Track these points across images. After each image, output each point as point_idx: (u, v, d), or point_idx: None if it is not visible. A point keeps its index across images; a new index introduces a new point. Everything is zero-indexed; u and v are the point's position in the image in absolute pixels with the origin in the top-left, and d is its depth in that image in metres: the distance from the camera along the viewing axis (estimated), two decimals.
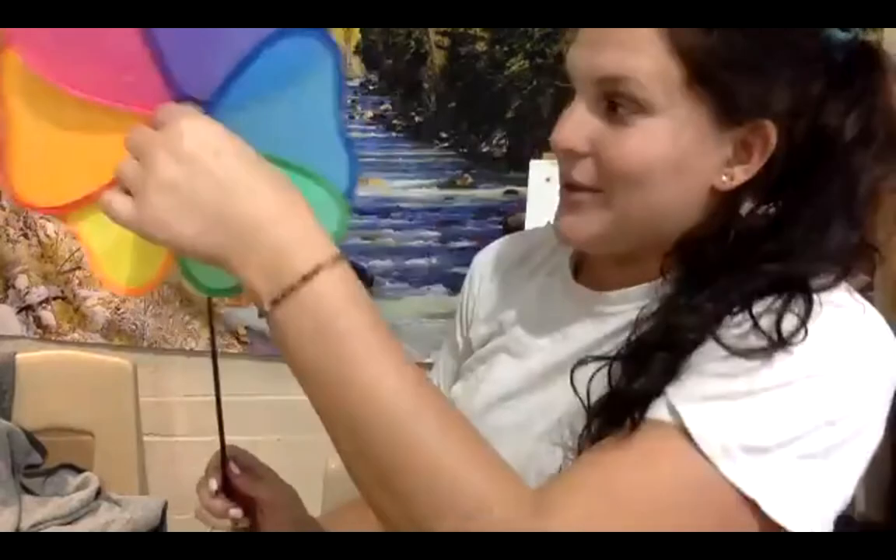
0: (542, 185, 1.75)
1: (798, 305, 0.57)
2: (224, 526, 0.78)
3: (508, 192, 1.94)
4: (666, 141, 0.60)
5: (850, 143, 0.61)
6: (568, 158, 0.64)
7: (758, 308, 0.58)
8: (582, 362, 0.64)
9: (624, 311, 0.67)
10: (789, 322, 0.56)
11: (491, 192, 1.95)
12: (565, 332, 0.72)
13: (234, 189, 0.51)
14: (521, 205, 1.83)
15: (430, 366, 0.98)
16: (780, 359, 0.55)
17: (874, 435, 0.57)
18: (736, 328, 0.57)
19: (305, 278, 0.50)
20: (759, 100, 0.60)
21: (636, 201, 0.63)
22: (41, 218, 1.91)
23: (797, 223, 0.61)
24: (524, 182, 1.80)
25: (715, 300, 0.59)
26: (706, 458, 0.52)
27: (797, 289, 0.58)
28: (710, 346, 0.57)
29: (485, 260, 0.87)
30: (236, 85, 0.57)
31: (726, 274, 0.60)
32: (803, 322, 0.56)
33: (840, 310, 0.58)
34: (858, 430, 0.56)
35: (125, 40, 0.53)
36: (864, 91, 0.61)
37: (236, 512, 0.78)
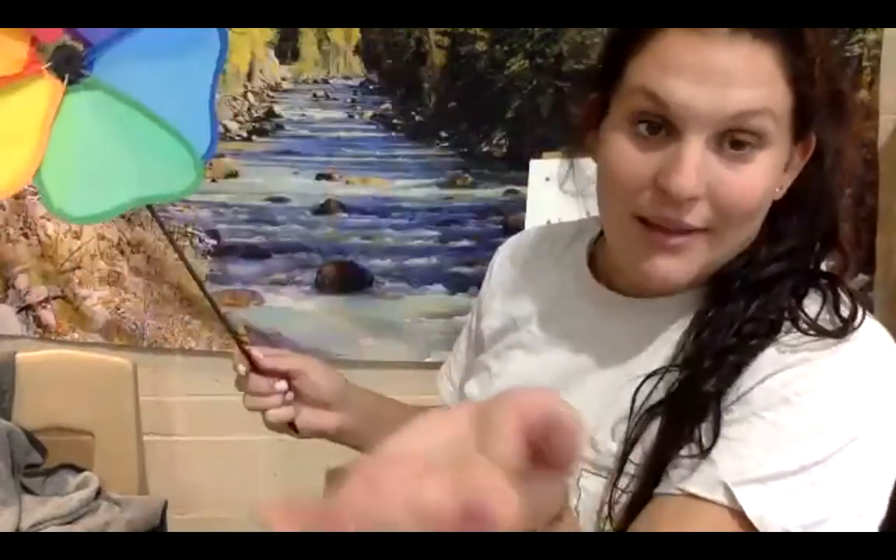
0: (542, 184, 1.75)
1: (843, 298, 0.61)
2: (275, 405, 0.81)
3: (508, 191, 1.94)
4: (774, 170, 0.61)
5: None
6: (684, 204, 0.59)
7: (809, 303, 0.61)
8: (653, 374, 0.63)
9: (663, 317, 0.66)
10: (844, 311, 0.60)
11: (491, 192, 1.95)
12: (589, 335, 0.71)
13: None
14: (521, 205, 1.82)
15: (429, 366, 0.98)
16: (822, 428, 0.56)
17: None
18: (795, 327, 0.60)
19: None
20: (819, 121, 0.62)
21: (739, 234, 0.62)
22: (41, 217, 1.91)
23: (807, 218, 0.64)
24: (524, 182, 1.80)
25: (770, 303, 0.61)
26: None
27: (832, 281, 0.62)
28: (759, 394, 0.58)
29: (504, 251, 0.87)
30: (124, 40, 0.62)
31: (770, 281, 0.62)
32: (854, 310, 0.60)
33: (865, 358, 0.59)
34: (893, 459, 0.58)
35: None
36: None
37: (281, 384, 0.81)
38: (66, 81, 0.63)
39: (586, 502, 0.63)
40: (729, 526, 0.54)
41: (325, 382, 0.84)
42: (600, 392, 0.67)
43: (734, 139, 0.58)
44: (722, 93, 0.57)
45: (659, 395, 0.62)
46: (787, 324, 0.61)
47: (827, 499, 0.55)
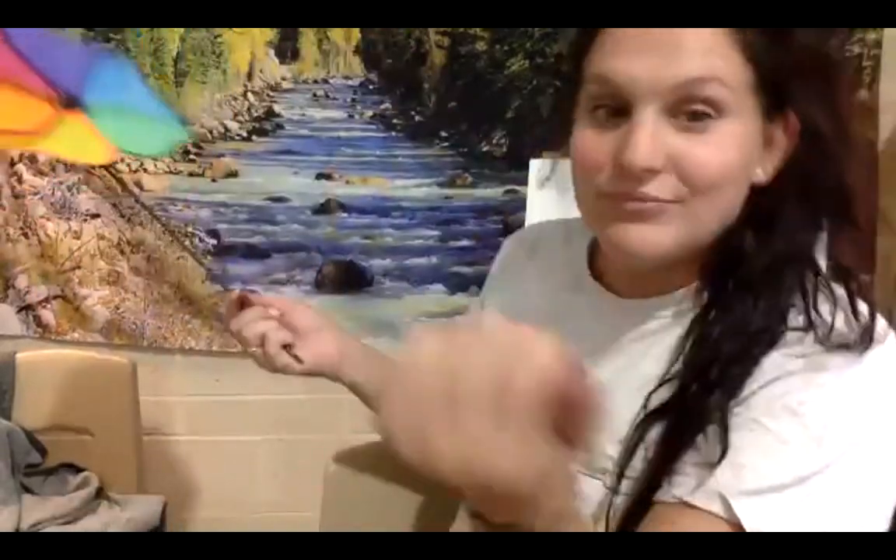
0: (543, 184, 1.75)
1: (859, 300, 0.60)
2: (272, 326, 0.84)
3: (508, 191, 1.94)
4: (738, 143, 0.60)
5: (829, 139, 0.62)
6: (643, 177, 0.59)
7: (821, 304, 0.60)
8: (665, 382, 0.62)
9: (657, 319, 0.66)
10: (861, 316, 0.59)
11: (491, 192, 1.95)
12: (584, 335, 0.70)
13: None
14: (521, 205, 1.83)
15: None
16: (823, 438, 0.55)
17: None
18: (804, 333, 0.58)
19: None
20: (796, 95, 0.61)
21: (713, 208, 0.61)
22: (41, 217, 1.91)
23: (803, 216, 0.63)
24: (524, 182, 1.80)
25: (773, 306, 0.60)
26: None
27: (846, 278, 0.62)
28: (760, 399, 0.57)
29: (513, 241, 0.88)
30: (91, 87, 0.91)
31: (769, 276, 0.61)
32: (872, 315, 0.59)
33: (873, 367, 0.58)
34: (892, 469, 0.57)
35: None
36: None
37: (273, 310, 0.85)
38: (83, 112, 0.92)
39: (583, 507, 0.63)
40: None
41: (311, 312, 0.87)
42: (631, 392, 0.66)
43: (690, 110, 0.58)
44: (665, 62, 0.57)
45: (659, 400, 0.62)
46: (797, 325, 0.59)
47: (824, 510, 0.54)
